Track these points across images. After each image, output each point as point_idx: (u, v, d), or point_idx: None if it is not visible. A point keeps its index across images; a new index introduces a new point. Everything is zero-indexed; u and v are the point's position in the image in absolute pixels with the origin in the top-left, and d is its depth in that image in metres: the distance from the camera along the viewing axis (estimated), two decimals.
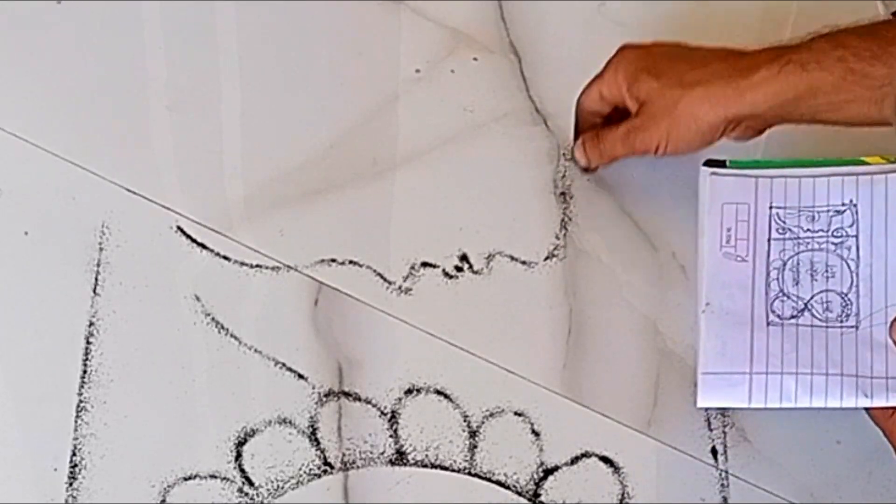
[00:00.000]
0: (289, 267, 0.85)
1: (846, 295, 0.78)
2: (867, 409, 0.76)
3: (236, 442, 0.79)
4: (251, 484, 0.78)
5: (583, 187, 0.89)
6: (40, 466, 0.78)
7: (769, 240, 0.80)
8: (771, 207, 0.81)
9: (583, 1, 0.96)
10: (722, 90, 0.78)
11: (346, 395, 0.81)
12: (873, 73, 0.75)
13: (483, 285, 0.85)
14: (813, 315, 0.78)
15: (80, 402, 0.80)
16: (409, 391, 0.81)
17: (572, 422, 0.81)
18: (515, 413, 0.81)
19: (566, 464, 0.80)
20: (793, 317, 0.78)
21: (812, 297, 0.78)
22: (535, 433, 0.81)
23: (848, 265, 0.79)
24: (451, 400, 0.81)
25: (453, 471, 0.79)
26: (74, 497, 0.77)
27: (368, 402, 0.81)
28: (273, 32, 0.94)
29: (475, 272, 0.86)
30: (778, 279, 0.79)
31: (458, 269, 0.86)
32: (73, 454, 0.78)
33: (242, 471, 0.79)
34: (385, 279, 0.85)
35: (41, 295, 0.83)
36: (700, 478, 0.80)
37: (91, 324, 0.82)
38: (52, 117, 0.89)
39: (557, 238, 0.87)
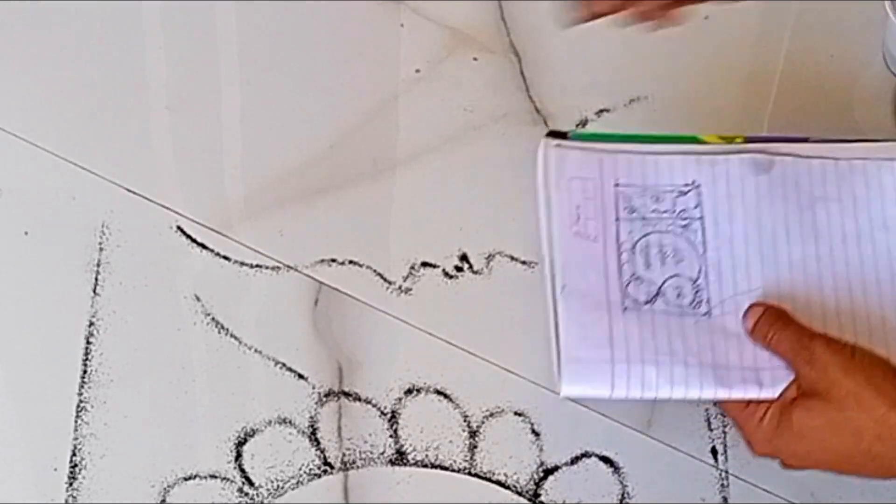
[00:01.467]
0: (289, 267, 0.85)
1: (696, 281, 0.77)
2: (721, 401, 0.75)
3: (236, 442, 0.79)
4: (251, 484, 0.78)
5: None
6: (40, 466, 0.78)
7: (617, 219, 0.78)
8: (617, 185, 0.79)
9: (582, 0, 0.96)
10: None
11: (346, 395, 0.81)
12: None
13: (483, 285, 0.85)
14: (666, 301, 0.76)
15: (80, 402, 0.80)
16: (409, 391, 0.81)
17: (572, 422, 0.81)
18: (515, 413, 0.81)
19: (566, 464, 0.80)
20: (647, 302, 0.76)
21: (664, 283, 0.77)
22: (535, 433, 0.81)
23: (696, 250, 0.77)
24: (451, 400, 0.81)
25: (453, 471, 0.79)
26: (74, 497, 0.77)
27: (368, 402, 0.81)
28: (273, 32, 0.94)
29: (475, 272, 0.86)
30: (630, 261, 0.77)
31: (458, 269, 0.86)
32: (73, 454, 0.78)
33: (242, 471, 0.79)
34: (385, 279, 0.85)
35: (41, 295, 0.83)
36: (700, 478, 0.80)
37: (91, 324, 0.82)
38: (52, 117, 0.89)
39: None
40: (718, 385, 0.74)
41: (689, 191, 0.78)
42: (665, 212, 0.78)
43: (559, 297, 0.76)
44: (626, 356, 0.75)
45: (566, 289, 0.76)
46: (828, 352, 0.70)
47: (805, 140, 0.79)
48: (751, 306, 0.76)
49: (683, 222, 0.78)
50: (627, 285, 0.77)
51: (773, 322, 0.74)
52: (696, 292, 0.77)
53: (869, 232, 0.78)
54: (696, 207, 0.78)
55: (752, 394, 0.73)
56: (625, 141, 0.80)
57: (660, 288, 0.77)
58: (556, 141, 0.79)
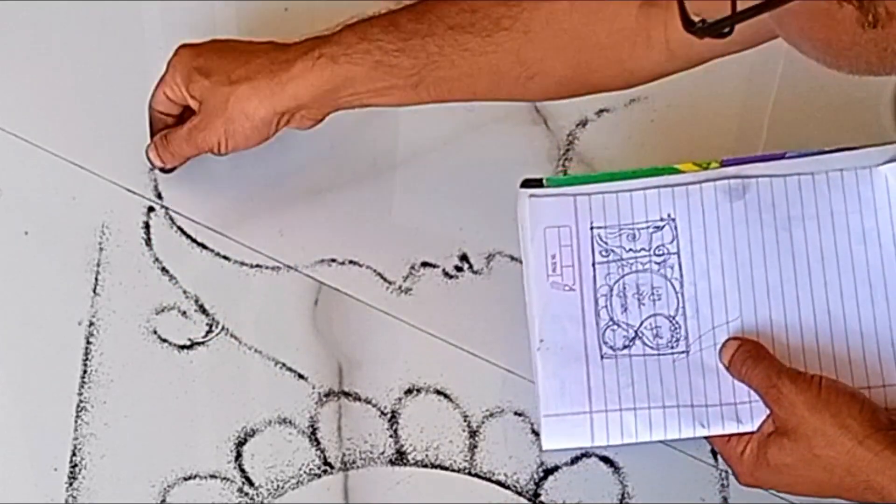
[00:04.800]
0: (289, 267, 0.85)
1: (674, 318, 0.76)
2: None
3: (236, 442, 0.79)
4: (251, 484, 0.78)
5: None
6: (40, 466, 0.78)
7: (594, 264, 0.78)
8: (592, 228, 0.78)
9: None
10: (266, 85, 0.79)
11: (346, 395, 0.81)
12: (400, 64, 0.77)
13: (483, 285, 0.85)
14: (644, 343, 0.76)
15: (80, 402, 0.80)
16: (409, 391, 0.81)
17: None
18: (515, 413, 0.81)
19: (566, 464, 0.80)
20: (625, 346, 0.76)
21: (641, 324, 0.77)
22: (535, 433, 0.81)
23: (672, 285, 0.77)
24: (451, 400, 0.81)
25: (453, 471, 0.79)
26: (74, 497, 0.77)
27: (368, 402, 0.81)
28: (273, 32, 0.94)
29: (475, 272, 0.86)
30: (607, 307, 0.77)
31: (458, 269, 0.86)
32: (73, 454, 0.78)
33: (242, 471, 0.79)
34: (385, 279, 0.85)
35: (41, 295, 0.83)
36: (700, 478, 0.80)
37: (91, 324, 0.82)
38: (52, 117, 0.89)
39: None
40: (697, 424, 0.75)
41: (664, 225, 0.78)
42: (641, 250, 0.78)
43: (536, 353, 0.77)
44: (605, 405, 0.75)
45: (543, 344, 0.77)
46: (794, 390, 0.71)
47: (782, 156, 0.78)
48: (726, 341, 0.76)
49: (659, 258, 0.77)
50: (604, 332, 0.77)
51: (747, 358, 0.74)
52: (674, 329, 0.76)
53: (847, 247, 0.77)
54: (671, 242, 0.78)
55: (731, 429, 0.74)
56: (601, 181, 0.79)
57: (637, 330, 0.77)
58: (530, 191, 0.79)
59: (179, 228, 0.86)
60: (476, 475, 0.79)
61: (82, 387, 0.80)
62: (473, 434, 0.81)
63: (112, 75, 0.91)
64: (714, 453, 0.80)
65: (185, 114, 0.85)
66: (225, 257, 0.85)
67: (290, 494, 0.78)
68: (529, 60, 0.77)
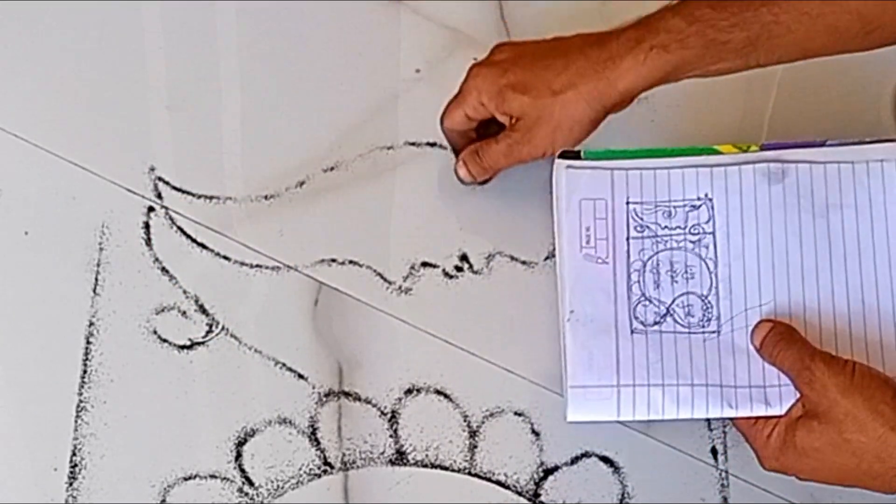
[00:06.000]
0: (289, 267, 0.85)
1: (706, 297, 0.77)
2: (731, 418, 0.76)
3: (236, 442, 0.79)
4: (251, 484, 0.78)
5: None
6: (40, 466, 0.78)
7: (628, 238, 0.78)
8: (628, 203, 0.78)
9: (583, 1, 0.96)
10: (594, 87, 0.78)
11: (346, 395, 0.81)
12: (733, 39, 0.77)
13: (483, 285, 0.85)
14: (675, 320, 0.76)
15: (80, 402, 0.80)
16: (409, 391, 0.81)
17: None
18: (515, 413, 0.81)
19: (566, 464, 0.80)
20: (656, 323, 0.76)
21: (673, 301, 0.77)
22: (535, 433, 0.81)
23: (707, 265, 0.77)
24: (451, 400, 0.81)
25: (453, 471, 0.79)
26: (74, 497, 0.77)
27: (368, 402, 0.81)
28: (273, 32, 0.94)
29: (475, 272, 0.86)
30: (639, 282, 0.77)
31: (458, 269, 0.86)
32: (73, 454, 0.78)
33: (242, 471, 0.79)
34: (385, 279, 0.85)
35: (41, 295, 0.83)
36: (700, 478, 0.80)
37: (91, 324, 0.82)
38: (52, 117, 0.89)
39: None
40: (725, 404, 0.74)
41: (700, 205, 0.78)
42: (676, 227, 0.78)
43: (565, 324, 0.77)
44: (632, 380, 0.75)
45: (573, 315, 0.77)
46: (827, 373, 0.71)
47: (822, 144, 0.79)
48: (759, 323, 0.76)
49: (695, 237, 0.78)
50: (636, 307, 0.77)
51: (779, 340, 0.74)
52: (706, 309, 0.77)
53: (884, 236, 0.77)
54: (707, 222, 0.78)
55: (759, 411, 0.74)
56: (639, 157, 0.79)
57: (668, 308, 0.77)
58: (567, 162, 0.79)
59: (179, 228, 0.86)
60: (476, 475, 0.80)
61: (82, 387, 0.80)
62: (473, 434, 0.81)
63: (112, 75, 0.91)
64: (714, 453, 0.80)
65: (480, 124, 0.84)
66: (225, 257, 0.85)
67: (290, 494, 0.78)
68: (870, 16, 0.77)
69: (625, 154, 0.79)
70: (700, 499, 0.80)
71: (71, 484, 0.78)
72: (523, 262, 0.86)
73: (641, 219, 0.78)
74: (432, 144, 0.90)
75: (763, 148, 0.79)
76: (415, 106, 0.91)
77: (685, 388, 0.75)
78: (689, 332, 0.76)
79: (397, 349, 0.83)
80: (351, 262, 0.85)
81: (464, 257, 0.86)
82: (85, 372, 0.81)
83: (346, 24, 0.94)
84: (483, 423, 0.81)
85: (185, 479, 0.78)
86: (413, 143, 0.90)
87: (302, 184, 0.88)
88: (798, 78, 0.93)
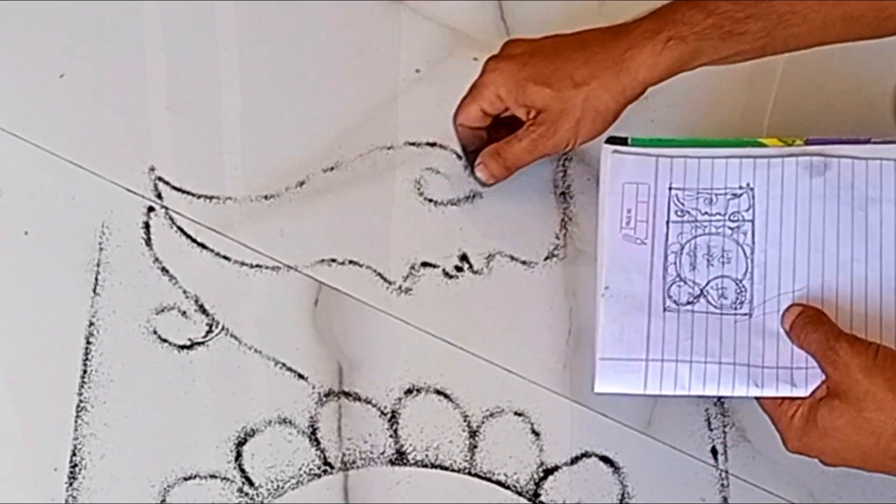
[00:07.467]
0: (289, 267, 0.85)
1: (741, 281, 0.78)
2: (757, 398, 0.77)
3: (236, 442, 0.79)
4: (251, 484, 0.78)
5: (583, 187, 0.89)
6: (40, 466, 0.78)
7: (668, 222, 0.80)
8: (670, 188, 0.80)
9: (583, 1, 0.96)
10: (615, 78, 0.79)
11: (346, 395, 0.81)
12: (749, 29, 0.78)
13: (483, 285, 0.85)
14: (708, 301, 0.78)
15: (80, 402, 0.80)
16: (409, 391, 0.81)
17: (572, 422, 0.81)
18: (515, 413, 0.81)
19: (566, 464, 0.80)
20: (689, 303, 0.78)
21: (708, 283, 0.78)
22: (535, 433, 0.81)
23: (743, 251, 0.79)
24: (451, 400, 0.81)
25: (453, 471, 0.79)
26: (74, 497, 0.77)
27: (368, 402, 0.81)
28: (273, 32, 0.94)
29: (475, 272, 0.86)
30: (675, 263, 0.79)
31: (458, 269, 0.86)
32: (73, 454, 0.78)
33: (242, 471, 0.79)
34: (385, 279, 0.85)
35: (41, 295, 0.83)
36: (700, 478, 0.80)
37: (91, 324, 0.82)
38: (52, 117, 0.89)
39: (557, 238, 0.87)
40: (752, 384, 0.76)
41: (742, 193, 0.80)
42: (716, 214, 0.80)
43: (599, 299, 0.78)
44: (661, 355, 0.77)
45: (608, 291, 0.78)
46: (850, 352, 0.72)
47: (867, 141, 0.80)
48: (790, 306, 0.77)
49: (734, 224, 0.79)
50: (670, 287, 0.78)
51: (807, 322, 0.75)
52: (740, 292, 0.78)
53: None
54: (747, 210, 0.79)
55: (784, 392, 0.75)
56: (685, 146, 0.81)
57: (703, 289, 0.78)
58: (614, 147, 0.81)
59: (179, 228, 0.86)
60: (476, 475, 0.79)
61: (82, 387, 0.80)
62: (473, 434, 0.81)
63: (112, 75, 0.91)
64: (714, 453, 0.80)
65: (492, 123, 0.85)
66: (225, 257, 0.85)
67: (289, 494, 0.78)
68: (885, 3, 0.77)
69: (671, 143, 0.81)
70: (700, 499, 0.80)
71: (71, 484, 0.78)
72: (523, 262, 0.86)
73: (682, 204, 0.80)
74: (432, 144, 0.90)
75: (808, 142, 0.81)
76: (415, 106, 0.91)
77: (713, 365, 0.76)
78: (721, 314, 0.78)
79: (397, 349, 0.83)
80: (351, 262, 0.85)
81: (464, 257, 0.86)
82: (85, 372, 0.81)
83: (346, 24, 0.95)
84: (483, 423, 0.81)
85: (185, 479, 0.78)
86: (413, 143, 0.90)
87: (302, 184, 0.88)
88: (798, 76, 0.93)
